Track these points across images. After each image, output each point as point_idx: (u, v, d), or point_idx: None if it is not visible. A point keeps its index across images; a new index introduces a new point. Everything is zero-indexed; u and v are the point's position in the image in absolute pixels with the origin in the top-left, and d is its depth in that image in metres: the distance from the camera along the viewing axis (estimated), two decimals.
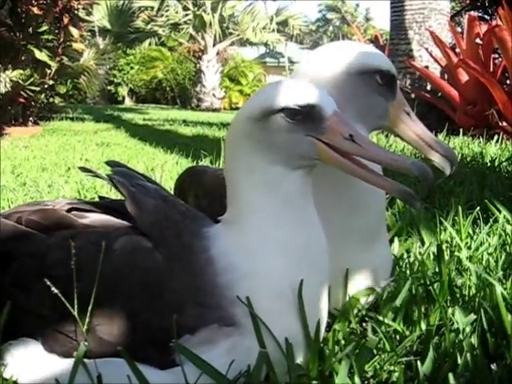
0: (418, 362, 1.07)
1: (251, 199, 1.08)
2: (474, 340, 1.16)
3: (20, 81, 8.20)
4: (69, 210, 1.19)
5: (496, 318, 1.16)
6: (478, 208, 2.00)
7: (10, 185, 3.70)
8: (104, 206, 1.22)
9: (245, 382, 1.00)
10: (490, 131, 5.99)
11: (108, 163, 1.29)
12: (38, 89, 8.74)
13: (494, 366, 1.14)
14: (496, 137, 5.31)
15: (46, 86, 9.20)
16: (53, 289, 0.95)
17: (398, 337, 1.26)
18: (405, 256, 1.69)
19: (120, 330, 1.01)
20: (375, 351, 1.17)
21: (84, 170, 1.27)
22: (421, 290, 1.32)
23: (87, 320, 0.99)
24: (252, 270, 1.05)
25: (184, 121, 12.39)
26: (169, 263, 1.05)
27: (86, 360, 0.97)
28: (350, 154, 1.06)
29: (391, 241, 1.77)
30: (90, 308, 0.99)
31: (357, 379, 0.98)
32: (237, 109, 26.72)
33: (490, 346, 1.18)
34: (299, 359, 1.07)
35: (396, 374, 1.12)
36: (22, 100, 8.72)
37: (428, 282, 1.36)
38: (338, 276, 1.29)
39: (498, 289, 1.11)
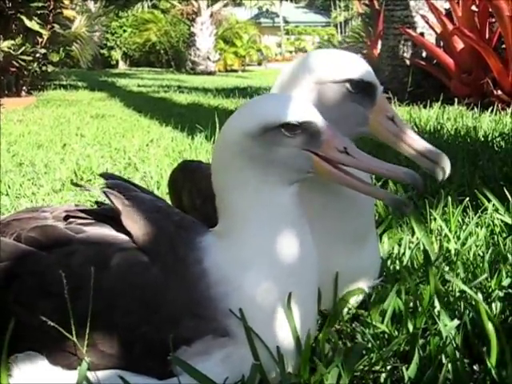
0: (404, 368, 1.13)
1: (243, 213, 1.12)
2: (458, 341, 1.21)
3: (11, 51, 8.11)
4: (66, 218, 1.23)
5: (479, 323, 1.21)
6: (468, 199, 2.04)
7: (7, 165, 3.72)
8: (100, 214, 1.25)
9: None
10: (484, 99, 5.98)
11: (102, 175, 1.32)
12: (29, 58, 8.66)
13: (476, 367, 1.20)
14: (491, 107, 5.31)
15: (38, 55, 9.11)
16: (49, 322, 0.99)
17: (386, 336, 1.32)
18: (395, 249, 1.74)
19: (120, 344, 1.05)
20: (364, 351, 1.23)
21: (77, 185, 1.30)
22: (408, 293, 1.37)
23: (88, 335, 1.03)
24: (244, 283, 1.10)
25: (179, 87, 12.31)
26: (164, 277, 1.09)
27: (88, 373, 1.02)
28: (346, 165, 1.11)
29: (382, 234, 1.81)
30: (89, 323, 1.03)
31: None
32: (232, 71, 26.50)
33: (473, 346, 1.24)
34: (291, 366, 1.13)
35: (383, 375, 1.18)
36: (14, 70, 8.65)
37: (416, 282, 1.41)
38: (328, 277, 1.34)
39: (482, 307, 1.15)
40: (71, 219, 1.22)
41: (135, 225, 1.14)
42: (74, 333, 1.02)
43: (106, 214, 1.23)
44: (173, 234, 1.15)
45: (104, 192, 1.20)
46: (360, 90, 1.28)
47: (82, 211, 1.27)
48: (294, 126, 1.07)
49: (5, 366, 1.07)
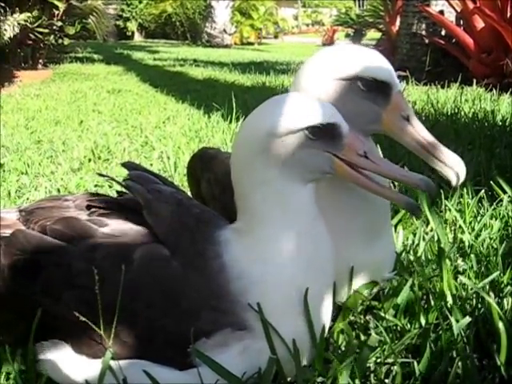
0: (415, 363, 1.16)
1: (263, 211, 1.14)
2: (469, 337, 1.24)
3: (28, 23, 8.11)
4: (88, 207, 1.27)
5: (490, 320, 1.24)
6: (484, 190, 2.05)
7: (25, 142, 3.77)
8: (122, 204, 1.28)
9: (255, 383, 1.09)
10: (504, 80, 5.91)
11: (125, 165, 1.35)
12: (46, 31, 8.67)
13: (486, 362, 1.24)
14: (510, 89, 5.25)
15: (54, 28, 9.11)
16: (76, 314, 1.03)
17: (398, 328, 1.35)
18: (410, 240, 1.77)
19: (142, 335, 1.10)
20: (376, 344, 1.26)
21: (101, 175, 1.34)
22: (422, 287, 1.40)
23: (112, 326, 1.07)
24: (263, 278, 1.13)
25: (195, 60, 12.27)
26: (184, 271, 1.12)
27: (111, 362, 1.07)
28: (365, 169, 1.14)
29: (397, 224, 1.83)
30: (113, 314, 1.07)
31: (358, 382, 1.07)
32: (248, 44, 26.26)
33: (483, 342, 1.27)
34: (306, 358, 1.17)
35: (395, 368, 1.21)
36: (30, 42, 8.68)
37: (429, 275, 1.44)
38: (342, 271, 1.36)
39: (493, 306, 1.18)
40: (93, 209, 1.26)
41: (156, 218, 1.17)
42: (99, 323, 1.07)
43: (127, 205, 1.27)
44: (193, 227, 1.19)
45: (126, 185, 1.24)
46: (372, 88, 1.27)
47: (103, 201, 1.30)
48: (317, 129, 1.10)
49: (31, 353, 1.12)
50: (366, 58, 1.29)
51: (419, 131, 1.28)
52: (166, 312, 1.10)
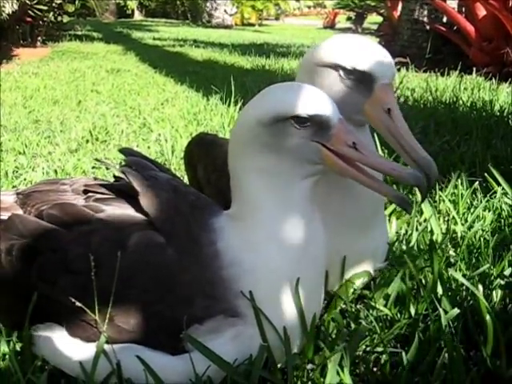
0: (403, 352, 1.19)
1: (256, 198, 1.16)
2: (457, 328, 1.26)
3: (27, 0, 8.04)
4: (85, 192, 1.28)
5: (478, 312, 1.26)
6: (478, 182, 2.07)
7: (23, 122, 3.77)
8: (118, 190, 1.29)
9: (246, 369, 1.11)
10: (503, 69, 5.90)
11: (122, 151, 1.36)
12: (45, 8, 8.61)
13: (473, 353, 1.26)
14: (510, 78, 5.25)
15: (53, 5, 9.04)
16: (76, 303, 1.05)
17: (388, 318, 1.38)
18: (403, 230, 1.78)
19: (136, 320, 1.11)
20: (366, 333, 1.29)
21: (98, 161, 1.35)
22: (413, 277, 1.42)
23: (106, 311, 1.09)
24: (255, 265, 1.15)
25: (195, 41, 12.20)
26: (179, 257, 1.14)
27: (105, 346, 1.09)
28: (353, 160, 1.14)
29: (391, 214, 1.85)
30: (108, 299, 1.09)
31: (346, 373, 1.09)
32: (249, 25, 26.07)
33: (471, 333, 1.30)
34: (296, 346, 1.19)
35: (384, 357, 1.24)
36: (29, 19, 8.61)
37: (421, 266, 1.46)
38: (335, 261, 1.39)
39: (481, 299, 1.20)
40: (90, 194, 1.27)
41: (152, 205, 1.18)
42: (93, 308, 1.08)
43: (123, 190, 1.28)
44: (188, 214, 1.20)
45: (123, 171, 1.25)
46: (353, 78, 1.27)
47: (100, 186, 1.31)
48: (303, 119, 1.10)
49: (27, 335, 1.14)
50: (353, 48, 1.28)
51: (398, 126, 1.26)
52: (161, 298, 1.12)
